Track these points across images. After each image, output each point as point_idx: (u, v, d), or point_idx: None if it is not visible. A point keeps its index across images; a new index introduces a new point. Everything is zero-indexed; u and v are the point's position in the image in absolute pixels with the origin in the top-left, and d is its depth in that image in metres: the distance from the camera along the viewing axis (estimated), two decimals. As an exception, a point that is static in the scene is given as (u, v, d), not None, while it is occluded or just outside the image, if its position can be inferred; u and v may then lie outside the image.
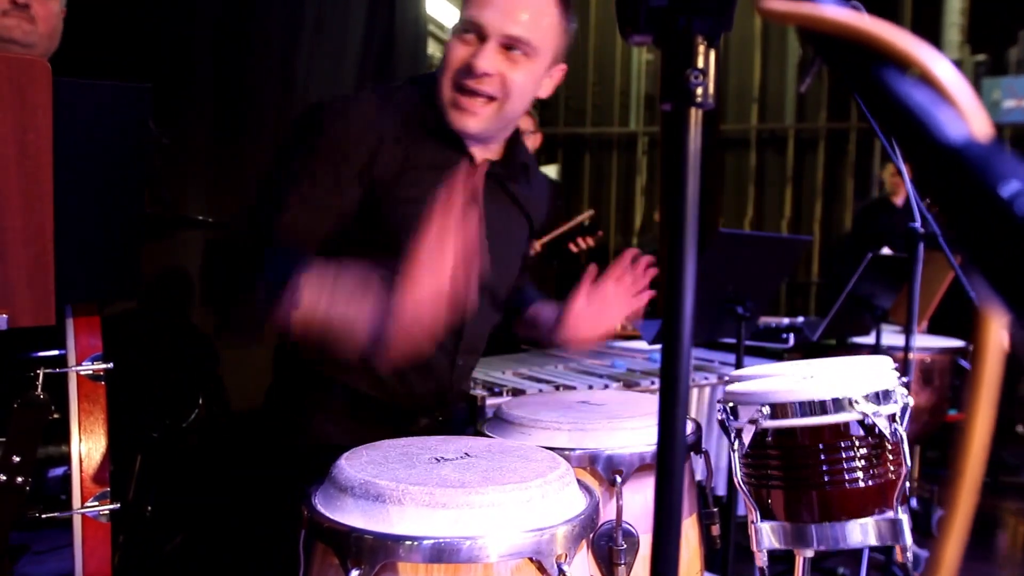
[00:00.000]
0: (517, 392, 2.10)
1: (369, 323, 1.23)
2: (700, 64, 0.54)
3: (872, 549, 2.60)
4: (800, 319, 3.29)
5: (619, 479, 1.33)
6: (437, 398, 1.56)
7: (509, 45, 1.37)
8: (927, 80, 0.34)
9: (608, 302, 1.57)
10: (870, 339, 3.23)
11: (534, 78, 1.42)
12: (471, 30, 1.37)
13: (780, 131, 6.76)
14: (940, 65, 0.35)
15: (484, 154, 1.51)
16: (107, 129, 1.24)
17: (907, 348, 2.31)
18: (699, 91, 0.54)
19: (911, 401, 1.21)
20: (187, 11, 3.15)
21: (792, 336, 3.11)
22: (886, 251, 3.42)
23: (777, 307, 6.36)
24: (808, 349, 3.32)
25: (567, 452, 1.31)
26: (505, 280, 1.63)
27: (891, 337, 3.35)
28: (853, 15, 0.38)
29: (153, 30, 2.96)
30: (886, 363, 1.28)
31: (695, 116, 0.55)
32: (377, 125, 1.40)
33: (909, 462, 1.18)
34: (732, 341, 2.29)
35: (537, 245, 3.24)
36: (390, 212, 1.41)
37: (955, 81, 0.37)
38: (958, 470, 0.40)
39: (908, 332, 2.30)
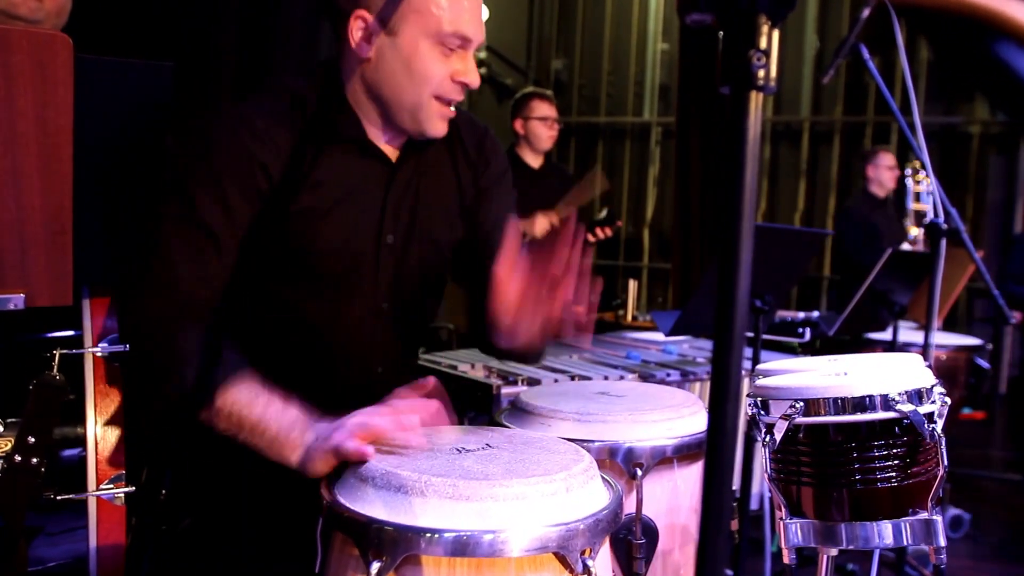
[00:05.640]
0: (532, 381, 2.08)
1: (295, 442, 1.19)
2: (763, 45, 0.51)
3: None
4: (816, 313, 3.26)
5: (639, 472, 1.31)
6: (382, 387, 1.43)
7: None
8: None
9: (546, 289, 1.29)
10: (886, 335, 3.20)
11: None
12: (457, 43, 1.34)
13: (795, 124, 6.70)
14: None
15: (392, 150, 1.45)
16: (128, 107, 1.22)
17: (926, 345, 2.28)
18: (761, 73, 0.51)
19: (949, 400, 1.18)
20: (210, -3, 3.13)
21: (808, 331, 3.08)
22: (906, 247, 3.39)
23: (788, 302, 6.32)
24: (824, 344, 3.29)
25: (587, 444, 1.29)
26: (432, 272, 1.52)
27: (907, 334, 3.32)
28: None
29: (175, 18, 2.94)
30: (918, 361, 1.25)
31: (756, 100, 0.52)
32: (266, 144, 1.32)
33: (946, 462, 1.16)
34: (748, 335, 2.26)
35: (555, 219, 3.21)
36: (296, 230, 1.35)
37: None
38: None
39: (928, 329, 2.27)
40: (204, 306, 1.28)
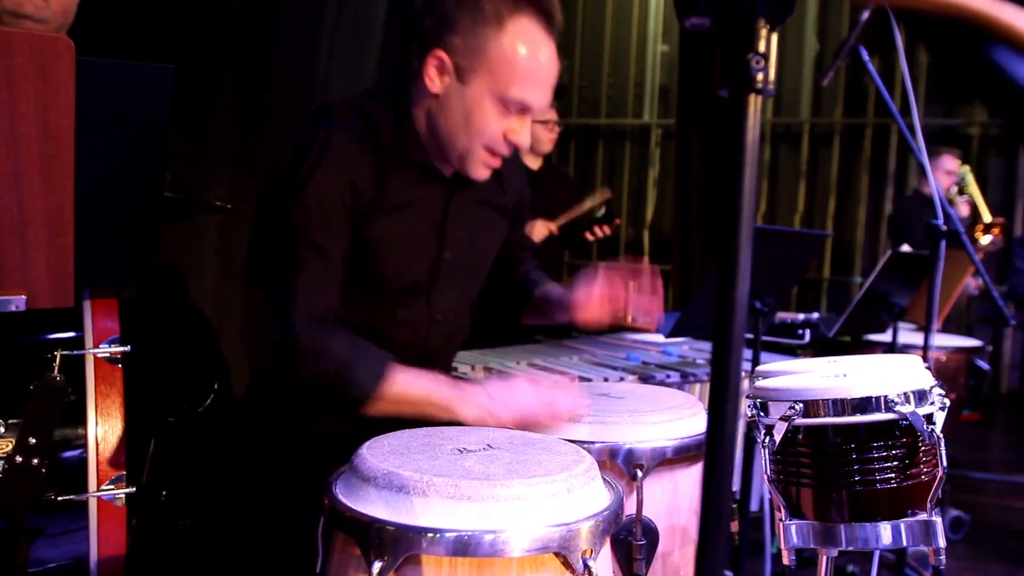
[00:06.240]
0: (533, 383, 2.08)
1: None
2: (762, 48, 0.51)
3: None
4: (815, 315, 3.26)
5: (640, 473, 1.32)
6: None
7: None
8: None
9: (618, 288, 1.61)
10: (885, 337, 3.20)
11: None
12: (518, 108, 1.39)
13: (795, 126, 6.71)
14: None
15: (447, 172, 1.52)
16: (129, 109, 1.22)
17: (926, 347, 2.28)
18: (760, 77, 0.52)
19: (948, 402, 1.18)
20: (211, -1, 3.14)
21: (808, 332, 3.08)
22: (905, 248, 3.39)
23: (788, 304, 6.32)
24: (823, 346, 3.29)
25: (587, 445, 1.30)
26: (477, 281, 1.66)
27: (907, 335, 3.32)
28: None
29: (176, 17, 2.95)
30: (917, 362, 1.26)
31: (755, 103, 0.52)
32: (355, 168, 1.40)
33: (945, 463, 1.16)
34: (748, 336, 2.27)
35: (554, 227, 3.22)
36: (368, 251, 1.44)
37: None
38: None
39: (928, 331, 2.27)
40: (329, 315, 1.39)
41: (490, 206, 1.62)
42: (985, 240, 4.40)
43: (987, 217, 4.52)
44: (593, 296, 1.61)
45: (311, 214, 1.36)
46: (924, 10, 0.35)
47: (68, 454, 1.35)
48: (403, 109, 1.46)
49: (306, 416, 1.52)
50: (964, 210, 4.48)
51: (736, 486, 2.31)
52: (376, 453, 1.11)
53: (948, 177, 4.51)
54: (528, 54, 1.36)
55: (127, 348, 1.35)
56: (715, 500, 0.55)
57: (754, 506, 2.42)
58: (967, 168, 4.54)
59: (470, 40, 1.35)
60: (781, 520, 1.21)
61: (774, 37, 0.52)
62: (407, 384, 1.36)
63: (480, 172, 1.45)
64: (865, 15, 2.06)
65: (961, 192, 4.51)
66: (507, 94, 1.36)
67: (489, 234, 1.65)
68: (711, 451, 0.55)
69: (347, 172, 1.38)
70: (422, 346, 1.55)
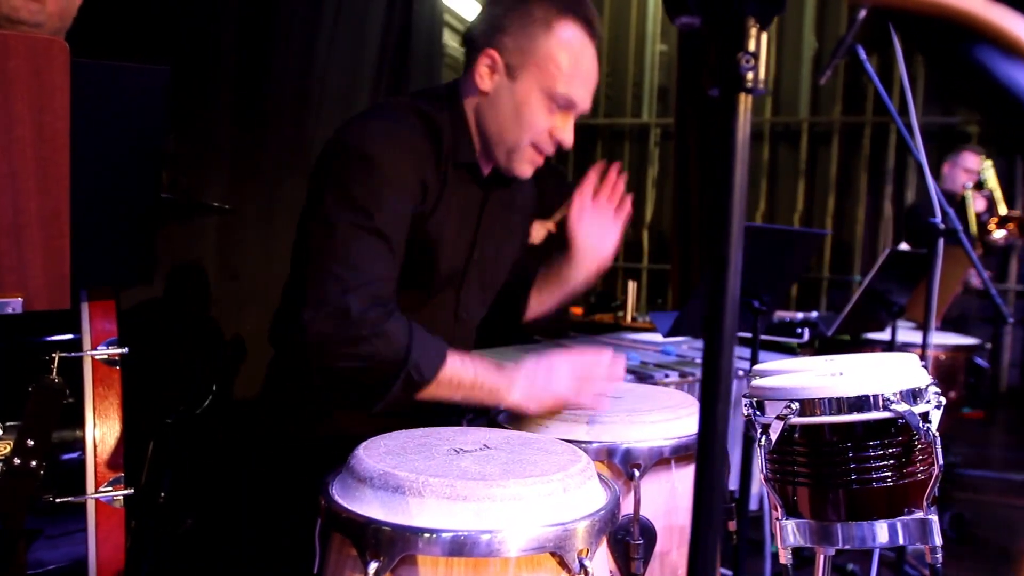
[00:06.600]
0: (531, 383, 2.08)
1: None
2: (751, 47, 0.52)
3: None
4: (815, 314, 3.26)
5: (637, 473, 1.32)
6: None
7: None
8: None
9: (601, 222, 1.72)
10: (884, 335, 3.20)
11: None
12: (564, 104, 1.47)
13: (794, 124, 6.71)
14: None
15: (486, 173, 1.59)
16: (125, 111, 1.22)
17: (924, 345, 2.28)
18: (750, 76, 0.52)
19: (944, 400, 1.18)
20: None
21: (807, 331, 3.09)
22: (904, 246, 3.39)
23: (787, 303, 6.32)
24: (822, 344, 3.29)
25: (584, 445, 1.30)
26: (497, 282, 1.71)
27: (906, 334, 3.32)
28: None
29: (175, 18, 2.95)
30: (914, 361, 1.26)
31: (745, 102, 0.52)
32: (423, 164, 1.45)
33: (941, 461, 1.16)
34: (747, 335, 2.27)
35: (552, 227, 3.23)
36: (425, 247, 1.48)
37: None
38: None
39: (926, 329, 2.27)
40: (390, 300, 1.39)
41: (515, 211, 1.70)
42: (999, 234, 4.36)
43: (1003, 210, 4.49)
44: (585, 244, 1.72)
45: (383, 201, 1.38)
46: (909, 9, 0.35)
47: (66, 456, 1.35)
48: (458, 111, 1.51)
49: (310, 416, 1.52)
50: (980, 204, 4.43)
51: (735, 485, 2.31)
52: (372, 454, 1.11)
53: (968, 175, 4.45)
54: (574, 54, 1.44)
55: (125, 350, 1.35)
56: (706, 499, 0.55)
57: (753, 505, 2.42)
58: (990, 163, 4.50)
59: (521, 40, 1.44)
60: (778, 519, 1.21)
61: (764, 36, 0.52)
62: (458, 369, 1.38)
63: (525, 169, 1.52)
64: (862, 14, 2.06)
65: (980, 187, 4.46)
66: (555, 89, 1.44)
67: (513, 238, 1.72)
68: (703, 449, 0.55)
69: (417, 168, 1.43)
70: (447, 341, 1.56)
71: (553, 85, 1.44)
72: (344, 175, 1.38)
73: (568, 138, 1.50)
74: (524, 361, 1.43)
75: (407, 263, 1.45)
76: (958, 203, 4.46)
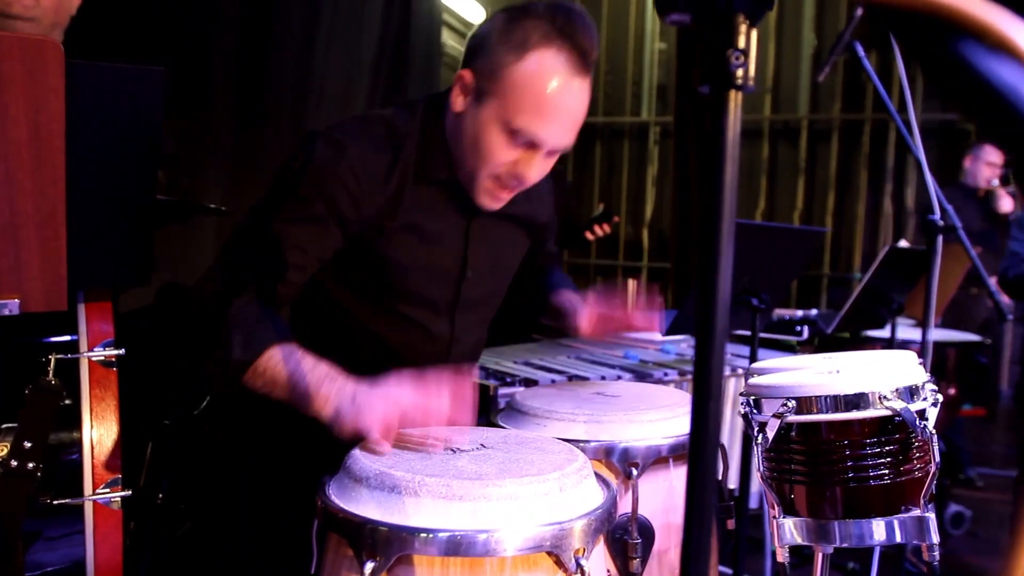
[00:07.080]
0: (529, 382, 2.08)
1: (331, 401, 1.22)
2: (741, 44, 0.51)
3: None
4: (814, 311, 3.26)
5: (635, 472, 1.32)
6: None
7: (551, 151, 1.38)
8: (1010, 53, 0.32)
9: (622, 308, 1.67)
10: (884, 333, 3.20)
11: None
12: (524, 141, 1.33)
13: (793, 122, 6.70)
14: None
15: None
16: (120, 112, 1.23)
17: (924, 342, 2.27)
18: (740, 73, 0.52)
19: (941, 397, 1.18)
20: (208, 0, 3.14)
21: (806, 329, 3.08)
22: (903, 244, 3.39)
23: (788, 301, 6.32)
24: (822, 342, 3.29)
25: (582, 444, 1.30)
26: (498, 297, 1.65)
27: (905, 331, 3.32)
28: None
29: (174, 19, 2.95)
30: (911, 358, 1.25)
31: (735, 99, 0.52)
32: (367, 179, 1.37)
33: (938, 459, 1.16)
34: (746, 333, 2.26)
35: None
36: (388, 269, 1.43)
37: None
38: None
39: (925, 326, 2.27)
40: (268, 295, 1.33)
41: (514, 221, 1.59)
42: (1006, 203, 4.23)
43: None
44: (592, 319, 1.69)
45: (293, 216, 1.34)
46: (896, 5, 0.35)
47: (64, 458, 1.35)
48: (434, 124, 1.43)
49: (308, 416, 1.52)
50: (1007, 204, 4.25)
51: (735, 484, 2.31)
52: (369, 454, 1.11)
53: (991, 168, 4.29)
54: (542, 86, 1.29)
55: (122, 351, 1.35)
56: (699, 497, 0.55)
57: (753, 503, 2.42)
58: None
59: (493, 63, 1.31)
60: (775, 517, 1.21)
61: (754, 33, 0.52)
62: (277, 363, 1.25)
63: (486, 201, 1.41)
64: (860, 11, 2.06)
65: (1006, 182, 4.26)
66: (513, 123, 1.31)
67: (511, 251, 1.63)
68: (694, 448, 0.55)
69: (343, 176, 1.34)
70: (442, 362, 1.54)
71: (512, 117, 1.30)
72: (278, 176, 1.39)
73: (528, 176, 1.36)
74: (375, 380, 1.24)
75: (379, 286, 1.43)
76: (981, 198, 4.33)
